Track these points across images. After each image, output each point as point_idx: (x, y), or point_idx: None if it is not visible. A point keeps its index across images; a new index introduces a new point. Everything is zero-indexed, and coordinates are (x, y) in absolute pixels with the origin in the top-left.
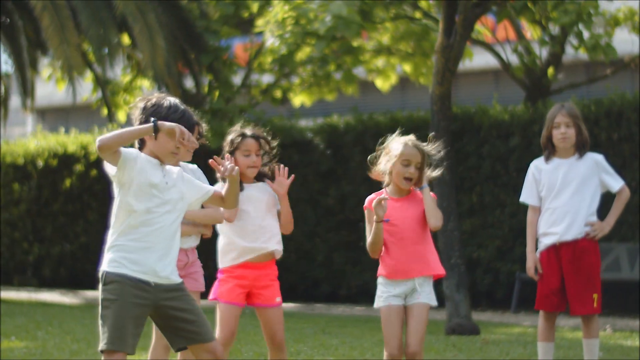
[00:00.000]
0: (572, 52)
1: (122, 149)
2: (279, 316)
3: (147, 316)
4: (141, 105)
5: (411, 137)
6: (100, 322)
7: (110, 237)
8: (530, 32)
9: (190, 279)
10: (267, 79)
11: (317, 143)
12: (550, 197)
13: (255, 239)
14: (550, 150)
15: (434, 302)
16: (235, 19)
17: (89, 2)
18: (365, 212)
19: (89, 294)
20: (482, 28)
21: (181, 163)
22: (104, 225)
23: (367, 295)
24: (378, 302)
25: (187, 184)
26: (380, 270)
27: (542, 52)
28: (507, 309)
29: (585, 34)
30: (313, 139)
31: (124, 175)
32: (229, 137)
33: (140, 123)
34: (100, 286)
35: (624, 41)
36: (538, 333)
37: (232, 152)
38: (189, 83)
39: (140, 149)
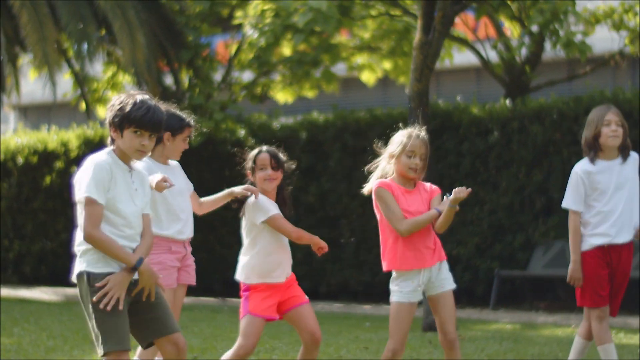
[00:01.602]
0: (550, 49)
1: (100, 201)
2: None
3: None
4: (111, 104)
5: (415, 129)
6: (94, 324)
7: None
8: (510, 29)
9: (184, 271)
10: (247, 76)
11: (297, 140)
12: (602, 200)
13: None
14: (595, 152)
15: (453, 284)
16: (215, 17)
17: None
18: (378, 191)
19: (70, 291)
20: (462, 26)
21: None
22: None
23: (346, 292)
24: (396, 297)
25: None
26: (392, 264)
27: (522, 50)
28: (486, 306)
29: (561, 33)
30: (293, 136)
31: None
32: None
33: (109, 122)
34: (84, 287)
35: (603, 39)
36: (596, 337)
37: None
38: (168, 80)
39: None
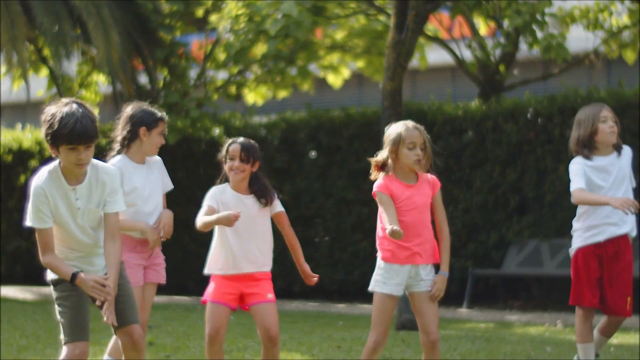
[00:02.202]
0: (526, 49)
1: (42, 227)
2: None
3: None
4: (43, 119)
5: (408, 121)
6: (59, 317)
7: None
8: (484, 27)
9: (153, 270)
10: (222, 75)
11: (271, 139)
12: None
13: None
14: (590, 149)
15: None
16: (190, 16)
17: None
18: (377, 195)
19: (45, 290)
20: (437, 25)
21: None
22: None
23: (321, 291)
24: (376, 286)
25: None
26: (383, 254)
27: (497, 49)
28: (460, 305)
29: (539, 34)
30: (267, 135)
31: None
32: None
33: (45, 140)
34: (52, 289)
35: (578, 38)
36: (578, 334)
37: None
38: (143, 79)
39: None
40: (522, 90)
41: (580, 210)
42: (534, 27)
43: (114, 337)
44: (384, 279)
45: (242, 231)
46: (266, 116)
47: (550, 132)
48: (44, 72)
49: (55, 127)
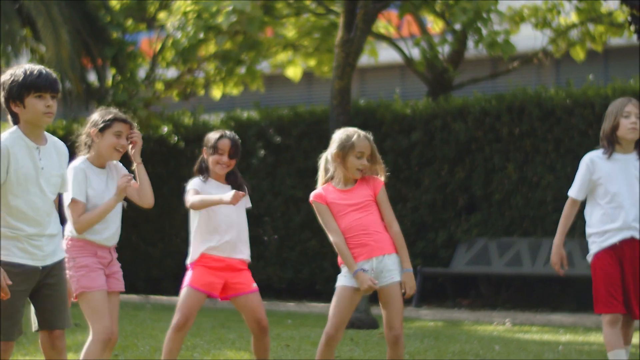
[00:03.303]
0: (474, 48)
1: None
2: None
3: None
4: (1, 80)
5: (357, 129)
6: None
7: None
8: (433, 25)
9: (114, 279)
10: (172, 73)
11: None
12: (611, 195)
13: None
14: (612, 144)
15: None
16: (140, 13)
17: None
18: (314, 205)
19: None
20: (386, 23)
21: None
22: None
23: (270, 289)
24: (341, 281)
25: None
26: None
27: (445, 47)
28: (408, 303)
29: (484, 32)
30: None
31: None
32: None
33: (5, 100)
34: None
35: (527, 37)
36: (606, 341)
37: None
38: (92, 77)
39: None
40: (470, 89)
41: (590, 218)
42: (479, 24)
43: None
44: (343, 274)
45: (226, 220)
46: (215, 114)
47: (499, 131)
48: None
49: (20, 78)
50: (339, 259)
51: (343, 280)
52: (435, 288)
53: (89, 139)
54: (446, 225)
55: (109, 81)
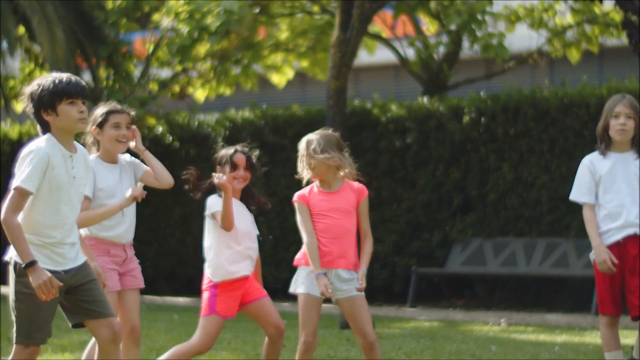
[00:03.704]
0: (468, 49)
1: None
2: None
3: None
4: (28, 92)
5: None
6: (14, 313)
7: None
8: (428, 26)
9: (130, 276)
10: (166, 73)
11: (215, 137)
12: (611, 194)
13: None
14: (606, 143)
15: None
16: (136, 13)
17: None
18: (295, 205)
19: None
20: (380, 23)
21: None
22: None
23: (265, 290)
24: (295, 287)
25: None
26: (302, 258)
27: (440, 48)
28: (403, 304)
29: (479, 33)
30: (211, 133)
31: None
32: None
33: (35, 110)
34: (12, 274)
35: (523, 37)
36: (603, 343)
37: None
38: (87, 77)
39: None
40: (465, 90)
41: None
42: (473, 26)
43: (90, 344)
44: (302, 280)
45: (243, 233)
46: (209, 114)
47: (494, 131)
48: None
49: (50, 86)
50: (297, 261)
51: (305, 287)
52: (430, 288)
53: (92, 137)
54: (441, 226)
55: (104, 81)
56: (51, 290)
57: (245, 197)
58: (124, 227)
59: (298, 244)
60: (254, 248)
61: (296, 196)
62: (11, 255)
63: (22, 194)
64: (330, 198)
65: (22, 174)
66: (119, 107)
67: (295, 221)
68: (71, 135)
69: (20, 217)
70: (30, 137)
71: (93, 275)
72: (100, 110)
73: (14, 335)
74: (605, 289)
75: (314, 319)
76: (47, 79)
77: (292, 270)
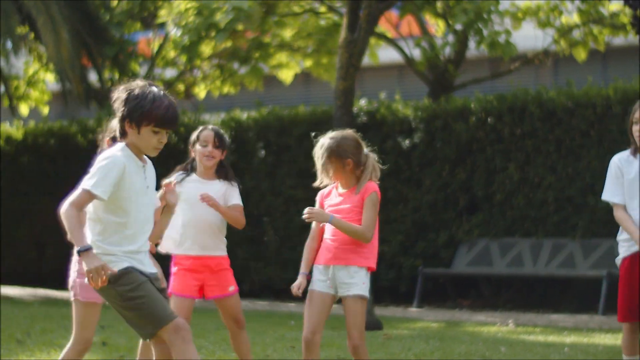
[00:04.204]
0: (475, 48)
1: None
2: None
3: None
4: (123, 95)
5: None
6: (136, 313)
7: None
8: (434, 27)
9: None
10: (170, 73)
11: None
12: (633, 201)
13: None
14: (635, 146)
15: (365, 293)
16: (141, 13)
17: None
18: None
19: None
20: (385, 23)
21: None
22: (6, 220)
23: (270, 290)
24: (309, 286)
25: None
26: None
27: (446, 48)
28: (410, 304)
29: (485, 32)
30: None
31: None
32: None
33: (122, 116)
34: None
35: (528, 37)
36: (624, 346)
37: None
38: (92, 77)
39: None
40: (470, 90)
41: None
42: (480, 25)
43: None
44: (313, 277)
45: (199, 213)
46: (214, 114)
47: (500, 132)
48: None
49: (147, 107)
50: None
51: (310, 285)
52: (435, 288)
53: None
54: (447, 226)
55: (109, 81)
56: (102, 275)
57: (221, 174)
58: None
59: (303, 244)
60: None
61: (319, 194)
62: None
63: (89, 197)
64: (339, 199)
65: (93, 178)
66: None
67: (301, 222)
68: (142, 153)
69: (99, 228)
70: (36, 137)
71: (162, 284)
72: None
73: (152, 330)
74: (632, 296)
75: (314, 314)
76: (150, 93)
77: (297, 270)
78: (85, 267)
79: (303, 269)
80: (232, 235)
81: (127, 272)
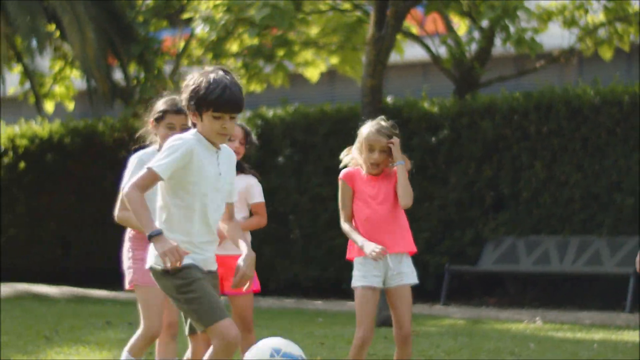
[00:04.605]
0: (501, 45)
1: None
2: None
3: None
4: (185, 84)
5: (377, 121)
6: (187, 307)
7: None
8: (459, 24)
9: None
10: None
11: None
12: None
13: None
14: None
15: (415, 280)
16: (166, 11)
17: None
18: (340, 182)
19: (19, 287)
20: (410, 20)
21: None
22: (32, 219)
23: (296, 288)
24: (356, 282)
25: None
26: (354, 252)
27: (472, 45)
28: (436, 302)
29: (512, 29)
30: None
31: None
32: None
33: (186, 107)
34: (165, 280)
35: (555, 35)
36: None
37: None
38: (117, 75)
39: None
40: (496, 88)
41: None
42: (506, 21)
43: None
44: (362, 273)
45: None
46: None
47: (526, 129)
48: (17, 68)
49: (202, 92)
50: (348, 253)
51: (362, 281)
52: (461, 286)
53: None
54: (473, 224)
55: (134, 79)
56: (177, 257)
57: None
58: None
59: (329, 242)
60: None
61: (343, 173)
62: (150, 263)
63: (153, 177)
64: (377, 183)
65: (160, 158)
66: (176, 106)
67: (327, 219)
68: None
69: (165, 216)
70: (61, 135)
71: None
72: (160, 105)
73: (199, 327)
74: None
75: (371, 312)
76: (205, 79)
77: (323, 268)
78: (158, 251)
79: (362, 239)
80: (258, 234)
81: (186, 267)
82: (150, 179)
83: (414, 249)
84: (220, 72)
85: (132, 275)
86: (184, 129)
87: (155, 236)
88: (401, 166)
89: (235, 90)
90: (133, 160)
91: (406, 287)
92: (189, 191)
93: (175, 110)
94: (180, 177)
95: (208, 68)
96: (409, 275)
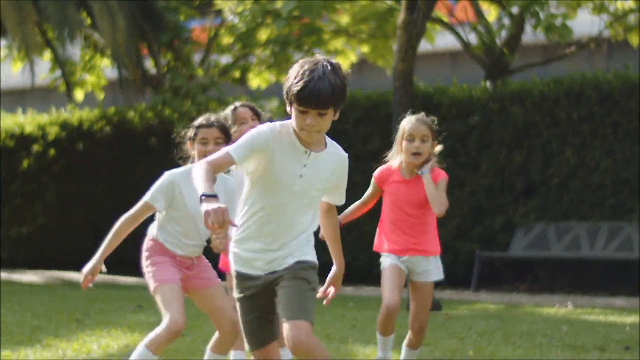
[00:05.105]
0: (531, 32)
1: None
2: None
3: None
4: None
5: (417, 115)
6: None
7: None
8: (489, 11)
9: (197, 279)
10: (225, 60)
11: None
12: None
13: None
14: None
15: (441, 276)
16: (196, 1)
17: None
18: (372, 179)
19: (49, 273)
20: (441, 8)
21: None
22: (62, 207)
23: (326, 274)
24: (384, 263)
25: None
26: (381, 246)
27: (502, 32)
28: (466, 288)
29: (541, 15)
30: (271, 118)
31: None
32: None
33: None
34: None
35: (584, 22)
36: None
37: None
38: (147, 63)
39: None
40: (527, 74)
41: None
42: (536, 8)
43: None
44: (390, 260)
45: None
46: (269, 100)
47: (557, 115)
48: (47, 56)
49: (288, 83)
50: (375, 245)
51: (387, 262)
52: (492, 272)
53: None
54: (504, 210)
55: (164, 67)
56: (220, 219)
57: None
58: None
59: (360, 228)
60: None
61: (377, 172)
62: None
63: (226, 158)
64: (409, 187)
65: (236, 144)
66: (208, 120)
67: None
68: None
69: (241, 210)
70: (91, 123)
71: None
72: (194, 123)
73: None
74: None
75: (392, 284)
76: (299, 70)
77: (354, 255)
78: (204, 209)
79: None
80: None
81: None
82: (224, 162)
83: (438, 251)
84: (320, 65)
85: (152, 278)
86: (219, 142)
87: (208, 196)
88: (427, 175)
89: (321, 84)
90: (164, 177)
91: (429, 284)
92: (264, 187)
93: (206, 124)
94: (258, 170)
95: (310, 58)
96: (434, 273)
